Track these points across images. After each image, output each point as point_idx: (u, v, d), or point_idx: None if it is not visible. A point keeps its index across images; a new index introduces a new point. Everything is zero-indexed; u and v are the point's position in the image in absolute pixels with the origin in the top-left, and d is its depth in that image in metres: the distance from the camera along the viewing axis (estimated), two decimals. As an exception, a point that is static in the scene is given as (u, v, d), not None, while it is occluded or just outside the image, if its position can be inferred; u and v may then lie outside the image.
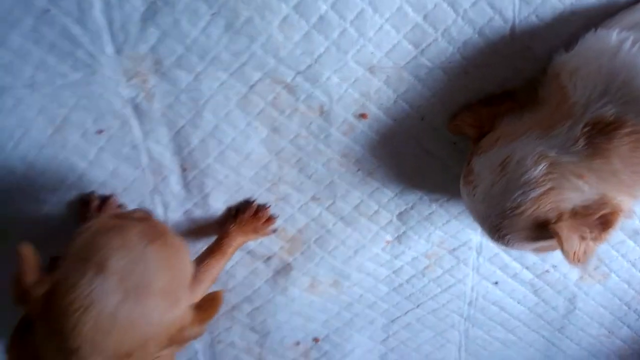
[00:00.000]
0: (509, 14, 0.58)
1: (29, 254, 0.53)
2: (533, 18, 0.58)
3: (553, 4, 0.57)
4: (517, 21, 0.58)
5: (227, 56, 0.61)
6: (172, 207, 0.74)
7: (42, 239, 0.72)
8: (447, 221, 0.75)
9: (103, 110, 0.65)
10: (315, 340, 0.90)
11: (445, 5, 0.57)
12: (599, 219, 0.56)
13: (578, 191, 0.55)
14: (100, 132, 0.67)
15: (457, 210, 0.74)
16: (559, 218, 0.56)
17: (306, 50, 0.60)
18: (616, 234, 0.77)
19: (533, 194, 0.56)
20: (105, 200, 0.72)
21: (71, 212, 0.74)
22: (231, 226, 0.73)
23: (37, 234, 0.73)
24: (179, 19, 0.58)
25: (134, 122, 0.67)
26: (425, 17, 0.58)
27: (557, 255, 0.78)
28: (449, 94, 0.63)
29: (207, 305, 0.57)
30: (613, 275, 0.81)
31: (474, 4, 0.57)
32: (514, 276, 0.82)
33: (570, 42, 0.57)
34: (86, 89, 0.64)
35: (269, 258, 0.80)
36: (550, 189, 0.55)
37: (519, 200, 0.57)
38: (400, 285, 0.83)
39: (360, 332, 0.89)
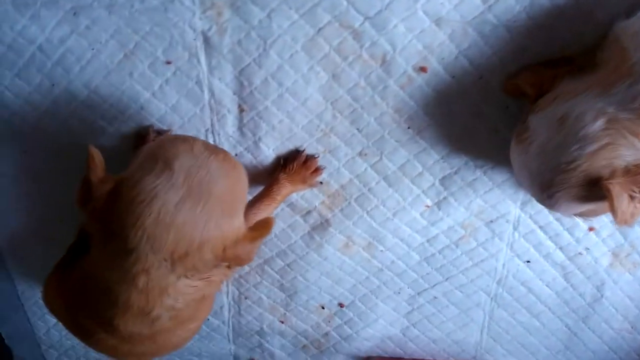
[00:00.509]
0: (578, -23, 0.60)
1: (96, 154, 0.55)
2: (599, -15, 0.61)
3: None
4: (583, -14, 0.61)
5: (302, -5, 0.64)
6: (225, 147, 0.76)
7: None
8: (490, 189, 0.76)
9: (175, 40, 0.68)
10: (341, 305, 0.90)
11: (517, -38, 0.59)
12: (651, 177, 0.57)
13: (633, 149, 0.57)
14: (168, 62, 0.70)
15: (501, 178, 0.75)
16: (612, 175, 0.57)
17: (379, -6, 0.63)
18: (652, 221, 0.78)
19: (589, 149, 0.57)
20: (161, 134, 0.74)
21: (126, 146, 0.76)
22: (280, 174, 0.75)
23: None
24: (263, -48, 0.61)
25: (202, 56, 0.69)
26: (497, -27, 0.60)
27: (591, 237, 0.80)
28: (510, 54, 0.65)
29: (260, 226, 0.59)
30: (644, 264, 0.82)
31: (545, -35, 0.59)
32: (547, 256, 0.82)
33: (632, 9, 0.59)
34: (162, 16, 0.66)
35: (308, 212, 0.81)
36: (607, 144, 0.57)
37: (575, 154, 0.58)
38: (432, 255, 0.84)
39: (385, 302, 0.89)
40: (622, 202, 0.57)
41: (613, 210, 0.57)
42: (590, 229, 0.79)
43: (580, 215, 0.67)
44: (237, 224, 0.57)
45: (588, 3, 0.62)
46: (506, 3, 0.62)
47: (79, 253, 0.67)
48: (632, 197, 0.58)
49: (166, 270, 0.54)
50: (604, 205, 0.61)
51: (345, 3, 0.64)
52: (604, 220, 0.79)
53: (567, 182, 0.60)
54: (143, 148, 0.59)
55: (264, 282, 0.88)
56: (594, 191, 0.59)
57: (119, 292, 0.55)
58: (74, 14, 0.66)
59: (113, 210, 0.54)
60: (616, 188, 0.57)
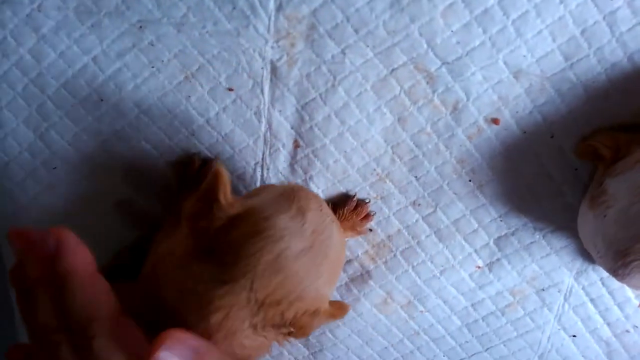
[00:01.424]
0: (661, 45, 0.60)
1: (225, 173, 0.53)
2: (682, 54, 0.60)
3: None
4: (666, 54, 0.60)
5: (382, 33, 0.62)
6: (271, 182, 0.72)
7: (128, 198, 0.70)
8: (546, 255, 0.73)
9: (241, 67, 0.65)
10: (368, 369, 0.83)
11: (604, 24, 0.59)
12: None
13: None
14: (230, 89, 0.67)
15: (560, 244, 0.72)
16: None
17: (461, 40, 0.61)
18: None
19: (676, 216, 0.55)
20: (207, 163, 0.70)
21: (167, 174, 0.71)
22: None
23: (126, 192, 0.70)
24: (350, -15, 0.60)
25: (266, 86, 0.66)
26: (583, 32, 0.60)
27: (642, 315, 0.76)
28: (585, 115, 0.64)
29: (338, 306, 0.59)
30: (696, 350, 0.78)
31: (630, 29, 0.59)
32: (593, 331, 0.78)
33: None
34: (233, 41, 0.64)
35: (349, 261, 0.76)
36: (695, 213, 0.54)
37: (659, 221, 0.55)
38: (475, 321, 0.79)
39: (417, 370, 0.83)
40: None
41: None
42: (642, 305, 0.75)
43: (652, 288, 0.63)
44: (329, 295, 0.57)
45: (669, 71, 0.61)
46: (588, 62, 0.61)
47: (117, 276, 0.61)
48: None
49: (247, 314, 0.50)
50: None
51: (425, 46, 0.62)
52: (656, 298, 0.75)
53: (647, 252, 0.57)
54: (273, 187, 0.58)
55: (288, 335, 0.81)
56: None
57: (186, 321, 0.49)
58: (140, 27, 0.63)
59: (231, 235, 0.51)
60: None
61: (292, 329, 0.54)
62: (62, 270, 0.38)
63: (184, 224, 0.56)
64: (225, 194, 0.53)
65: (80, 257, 0.39)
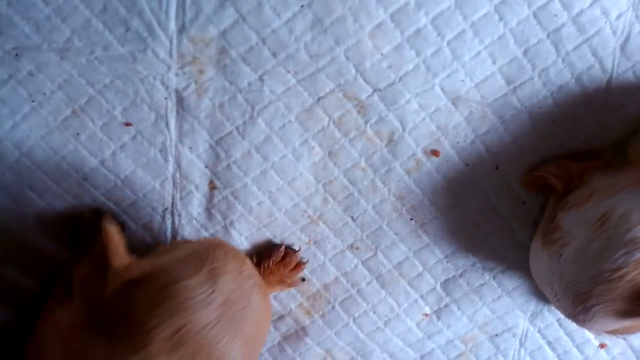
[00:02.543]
0: (609, 65, 0.55)
1: (115, 232, 0.47)
2: (630, 75, 0.56)
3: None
4: (614, 75, 0.56)
5: (304, 57, 0.54)
6: (184, 232, 0.62)
7: (14, 249, 0.59)
8: (498, 297, 0.66)
9: (140, 97, 0.56)
10: None
11: (548, 42, 0.54)
12: None
13: (687, 256, 0.49)
14: (127, 124, 0.57)
15: (512, 284, 0.65)
16: (664, 287, 0.49)
17: (393, 64, 0.54)
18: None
19: (638, 255, 0.49)
20: (100, 214, 0.59)
21: (58, 225, 0.60)
22: None
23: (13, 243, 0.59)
24: (263, 3, 0.52)
25: (172, 120, 0.57)
26: (525, 52, 0.54)
27: (601, 356, 0.70)
28: (532, 144, 0.58)
29: None
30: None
31: (576, 47, 0.54)
32: (554, 378, 0.71)
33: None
34: (128, 68, 0.54)
35: (280, 317, 0.66)
36: (659, 250, 0.49)
37: (620, 261, 0.49)
38: (426, 374, 0.70)
39: None
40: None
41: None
42: (602, 345, 0.69)
43: (613, 333, 0.57)
44: None
45: (618, 95, 0.57)
46: (533, 86, 0.56)
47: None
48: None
49: None
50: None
51: (353, 71, 0.55)
52: (614, 338, 0.69)
53: (609, 294, 0.51)
54: (186, 243, 0.52)
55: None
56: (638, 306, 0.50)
57: None
58: (16, 55, 0.53)
59: (126, 304, 0.44)
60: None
61: None
62: None
63: (74, 291, 0.48)
64: (118, 256, 0.46)
65: None
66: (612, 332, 0.57)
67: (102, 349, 0.44)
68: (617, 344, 0.70)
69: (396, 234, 0.63)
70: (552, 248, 0.54)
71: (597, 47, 0.54)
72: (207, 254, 0.48)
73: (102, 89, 0.55)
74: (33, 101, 0.55)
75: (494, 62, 0.55)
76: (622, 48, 0.55)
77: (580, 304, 0.52)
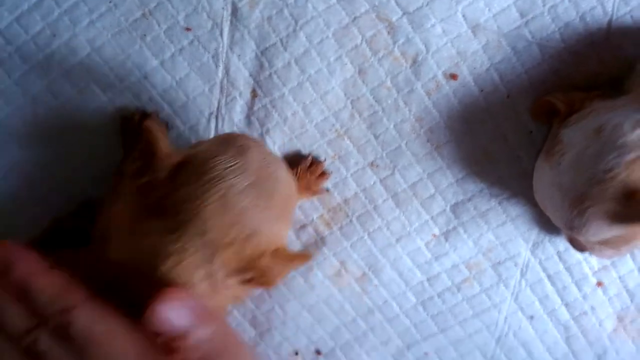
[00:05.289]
0: (609, 7, 0.62)
1: (158, 128, 0.54)
2: (628, 18, 0.63)
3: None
4: (614, 17, 0.63)
5: (345, -22, 0.63)
6: (223, 137, 0.69)
7: (73, 140, 0.66)
8: (502, 223, 0.72)
9: (201, 5, 0.64)
10: (318, 353, 0.78)
11: (557, -19, 0.62)
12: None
13: (673, 162, 0.55)
14: (188, 29, 0.65)
15: (516, 212, 0.71)
16: (650, 187, 0.54)
17: (423, -11, 0.62)
18: (661, 284, 0.74)
19: (628, 157, 0.55)
20: (147, 116, 0.67)
21: (111, 122, 0.68)
22: None
23: (73, 136, 0.67)
24: None
25: (226, 27, 0.65)
26: (537, -12, 0.62)
27: (598, 294, 0.75)
28: (540, 75, 0.65)
29: (300, 254, 0.61)
30: (650, 334, 0.77)
31: (582, -12, 0.62)
32: (551, 313, 0.76)
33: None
34: (195, -22, 0.63)
35: (302, 227, 0.73)
36: (646, 154, 0.55)
37: (612, 163, 0.55)
38: (431, 298, 0.76)
39: (369, 354, 0.78)
40: (659, 218, 0.54)
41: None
42: (599, 283, 0.74)
43: (606, 244, 0.62)
44: (284, 235, 0.57)
45: (617, 36, 0.64)
46: (543, 20, 0.63)
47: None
48: (669, 217, 0.55)
49: (200, 260, 0.49)
50: (634, 231, 0.58)
51: (388, -7, 0.63)
52: (613, 276, 0.74)
53: (602, 195, 0.56)
54: (204, 141, 0.56)
55: (234, 310, 0.76)
56: (629, 206, 0.55)
57: (140, 279, 0.49)
58: (101, -42, 0.62)
59: (174, 185, 0.50)
60: (654, 202, 0.54)
61: (252, 275, 0.52)
62: (18, 280, 0.39)
63: (127, 183, 0.54)
64: (163, 146, 0.53)
65: (29, 264, 0.41)
66: (605, 244, 0.62)
67: (160, 225, 0.49)
68: (613, 283, 0.75)
69: (413, 154, 0.70)
70: (552, 160, 0.60)
71: (602, -12, 0.62)
72: (231, 138, 0.55)
73: (170, -4, 0.64)
74: (110, 2, 0.64)
75: (510, -5, 0.63)
76: (625, -8, 0.62)
77: (576, 207, 0.58)
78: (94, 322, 0.39)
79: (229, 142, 0.54)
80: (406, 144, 0.69)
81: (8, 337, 0.38)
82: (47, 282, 0.40)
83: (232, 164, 0.52)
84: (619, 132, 0.56)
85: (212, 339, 0.43)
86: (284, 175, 0.57)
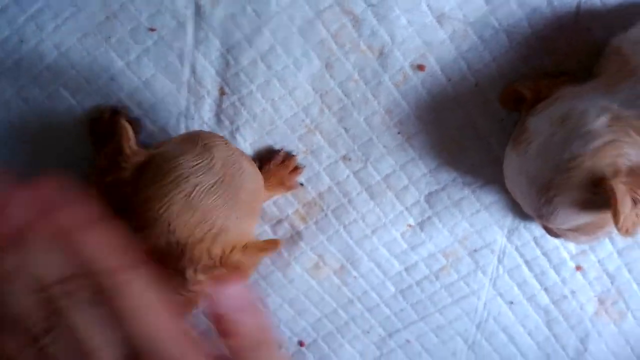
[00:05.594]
0: (577, -10, 0.61)
1: (128, 127, 0.53)
2: (597, 1, 0.62)
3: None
4: (582, 0, 0.62)
5: (306, -28, 0.62)
6: (195, 136, 0.69)
7: (45, 144, 0.67)
8: (477, 211, 0.72)
9: (164, 5, 0.64)
10: (301, 344, 0.79)
11: (522, -35, 0.60)
12: (655, 183, 0.54)
13: (637, 148, 0.54)
14: (152, 30, 0.65)
15: (489, 199, 0.71)
16: (616, 174, 0.54)
17: (385, -19, 0.62)
18: None
19: (593, 145, 0.55)
20: (117, 112, 0.67)
21: (80, 124, 0.68)
22: None
23: (45, 140, 0.67)
24: None
25: (190, 27, 0.65)
26: (501, -26, 0.61)
27: (577, 278, 0.75)
28: (508, 63, 0.64)
29: (269, 242, 0.58)
30: (630, 316, 0.77)
31: (548, -28, 0.61)
32: (531, 298, 0.76)
33: (627, 26, 0.60)
34: (155, -22, 0.63)
35: (278, 222, 0.73)
36: (611, 141, 0.54)
37: (578, 150, 0.55)
38: (410, 287, 0.76)
39: (352, 344, 0.79)
40: (626, 205, 0.54)
41: (616, 213, 0.53)
42: (578, 267, 0.74)
43: (578, 231, 0.62)
44: (252, 228, 0.58)
45: (586, 19, 0.63)
46: (509, 7, 0.63)
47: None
48: (635, 202, 0.54)
49: (170, 259, 0.50)
50: (604, 218, 0.58)
51: (349, -14, 0.62)
52: (592, 260, 0.74)
53: (569, 183, 0.56)
54: (170, 139, 0.57)
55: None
56: (597, 194, 0.55)
57: None
58: (60, -37, 0.62)
59: (140, 183, 0.51)
60: (620, 188, 0.53)
61: (224, 269, 0.53)
62: (62, 227, 0.31)
63: (95, 182, 0.55)
64: (130, 145, 0.53)
65: (79, 210, 0.33)
66: (576, 231, 0.62)
67: (127, 225, 0.48)
68: (592, 267, 0.75)
69: (385, 146, 0.70)
70: (519, 148, 0.60)
71: (567, -28, 0.61)
72: (196, 136, 0.55)
73: (132, -3, 0.63)
74: (74, 6, 0.64)
75: (474, -18, 0.62)
76: (590, -26, 0.61)
77: (543, 195, 0.58)
78: (145, 291, 0.31)
79: (194, 141, 0.55)
80: (377, 136, 0.69)
81: (34, 285, 0.29)
82: (96, 234, 0.32)
83: (196, 162, 0.52)
84: (584, 119, 0.56)
85: (257, 329, 0.42)
86: (251, 172, 0.57)
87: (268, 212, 0.73)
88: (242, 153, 0.58)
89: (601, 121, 0.55)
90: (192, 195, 0.51)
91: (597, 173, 0.55)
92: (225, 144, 0.56)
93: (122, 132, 0.54)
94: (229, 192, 0.53)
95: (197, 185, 0.51)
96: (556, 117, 0.57)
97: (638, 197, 0.54)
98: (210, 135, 0.57)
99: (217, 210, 0.52)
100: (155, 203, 0.50)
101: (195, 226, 0.51)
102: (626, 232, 0.55)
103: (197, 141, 0.54)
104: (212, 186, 0.52)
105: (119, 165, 0.53)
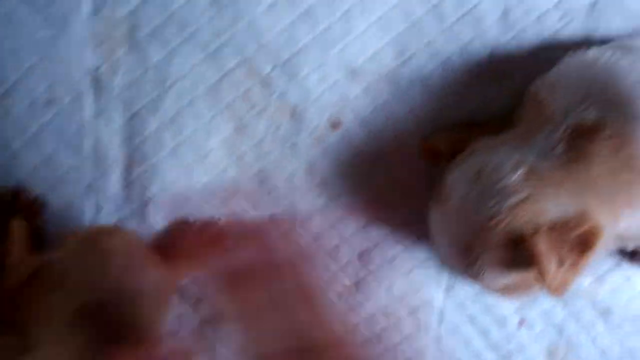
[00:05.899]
0: (492, 36, 0.59)
1: (18, 229, 0.52)
2: (513, 44, 0.60)
3: (532, 34, 0.59)
4: (497, 45, 0.60)
5: (207, 34, 0.59)
6: (105, 211, 0.65)
7: None
8: (411, 269, 0.68)
9: (60, 77, 0.61)
10: None
11: (430, 17, 0.59)
12: (578, 237, 0.51)
13: (556, 202, 0.51)
14: (49, 102, 0.61)
15: (423, 255, 0.68)
16: (535, 232, 0.51)
17: (290, 39, 0.59)
18: (587, 313, 0.71)
19: (509, 202, 0.51)
20: (18, 195, 0.63)
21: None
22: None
23: None
24: (166, -16, 0.58)
25: (89, 97, 0.62)
26: (410, 26, 0.59)
27: (523, 334, 0.71)
28: (425, 114, 0.62)
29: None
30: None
31: (459, 19, 0.59)
32: (477, 356, 0.72)
33: (546, 69, 0.58)
34: (50, 50, 0.60)
35: (198, 300, 0.68)
36: (528, 196, 0.51)
37: (494, 209, 0.52)
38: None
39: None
40: (551, 264, 0.50)
41: (541, 273, 0.50)
42: (522, 321, 0.70)
43: (509, 290, 0.58)
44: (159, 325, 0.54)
45: (502, 63, 0.61)
46: (421, 57, 0.60)
47: None
48: (561, 262, 0.51)
49: None
50: (531, 276, 0.54)
51: (255, 45, 0.59)
52: (536, 312, 0.71)
53: (489, 243, 0.52)
54: (72, 235, 0.54)
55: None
56: (519, 253, 0.52)
57: None
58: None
59: (29, 295, 0.47)
60: (542, 245, 0.50)
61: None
62: None
63: None
64: (18, 253, 0.51)
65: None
66: (507, 290, 0.58)
67: (15, 341, 0.46)
68: (537, 320, 0.71)
69: (310, 206, 0.66)
70: (439, 207, 0.57)
71: (479, 18, 0.59)
72: (93, 240, 0.52)
73: (30, 69, 0.60)
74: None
75: (382, 37, 0.60)
76: (504, 18, 0.59)
77: (466, 256, 0.54)
78: None
79: (90, 247, 0.51)
80: (300, 197, 0.66)
81: None
82: None
83: (91, 273, 0.49)
84: (499, 174, 0.52)
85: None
86: (151, 275, 0.53)
87: (188, 289, 0.68)
88: (145, 253, 0.54)
89: (517, 175, 0.52)
90: (87, 308, 0.47)
91: (516, 232, 0.51)
92: (128, 245, 0.53)
93: (11, 238, 0.51)
94: (125, 301, 0.49)
95: (92, 296, 0.48)
96: (471, 172, 0.54)
97: (562, 255, 0.51)
98: (111, 235, 0.53)
99: (114, 321, 0.48)
100: (45, 319, 0.46)
101: (91, 342, 0.46)
102: (556, 292, 0.51)
103: (94, 246, 0.51)
104: (108, 297, 0.48)
105: (7, 271, 0.50)
